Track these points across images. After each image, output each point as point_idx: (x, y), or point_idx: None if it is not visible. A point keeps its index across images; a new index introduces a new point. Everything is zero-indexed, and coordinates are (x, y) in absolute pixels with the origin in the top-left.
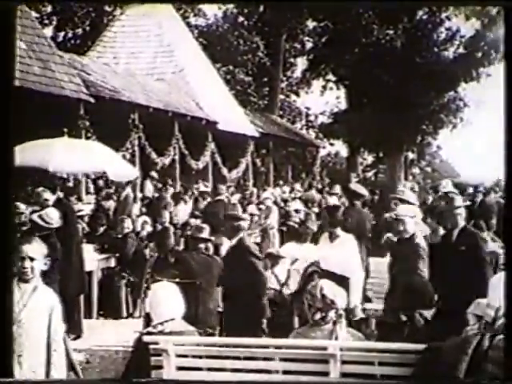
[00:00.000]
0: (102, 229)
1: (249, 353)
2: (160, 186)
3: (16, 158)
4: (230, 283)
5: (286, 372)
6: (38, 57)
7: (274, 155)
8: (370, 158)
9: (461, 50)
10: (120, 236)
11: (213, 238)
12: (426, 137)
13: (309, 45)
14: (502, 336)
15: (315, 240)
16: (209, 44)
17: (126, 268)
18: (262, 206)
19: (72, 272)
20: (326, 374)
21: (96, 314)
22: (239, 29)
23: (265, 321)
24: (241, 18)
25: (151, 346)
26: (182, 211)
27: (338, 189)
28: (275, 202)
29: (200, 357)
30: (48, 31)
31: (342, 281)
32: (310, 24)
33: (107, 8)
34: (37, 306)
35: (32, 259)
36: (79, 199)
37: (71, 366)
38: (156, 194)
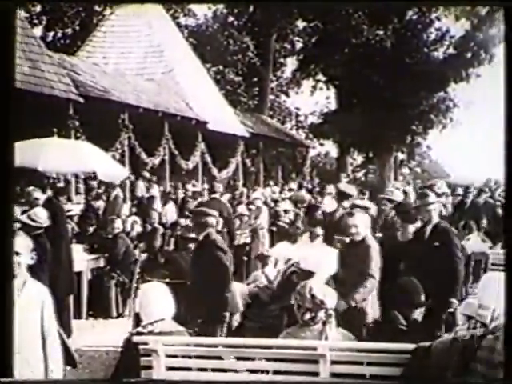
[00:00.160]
0: (91, 229)
1: (239, 353)
2: (150, 185)
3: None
4: (196, 277)
5: (275, 372)
6: (28, 57)
7: (264, 155)
8: (359, 159)
9: (450, 51)
10: (110, 236)
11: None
12: (415, 137)
13: (299, 45)
14: (491, 336)
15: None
16: (199, 44)
17: (116, 268)
18: (251, 206)
19: (61, 272)
20: (316, 374)
21: (86, 315)
22: (229, 29)
23: (227, 314)
24: (231, 18)
25: (141, 347)
26: (171, 211)
27: (332, 188)
28: (265, 203)
29: (190, 357)
30: (37, 31)
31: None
32: (300, 24)
33: (97, 8)
34: (27, 300)
35: (18, 254)
36: (69, 199)
37: (70, 358)
38: (146, 194)
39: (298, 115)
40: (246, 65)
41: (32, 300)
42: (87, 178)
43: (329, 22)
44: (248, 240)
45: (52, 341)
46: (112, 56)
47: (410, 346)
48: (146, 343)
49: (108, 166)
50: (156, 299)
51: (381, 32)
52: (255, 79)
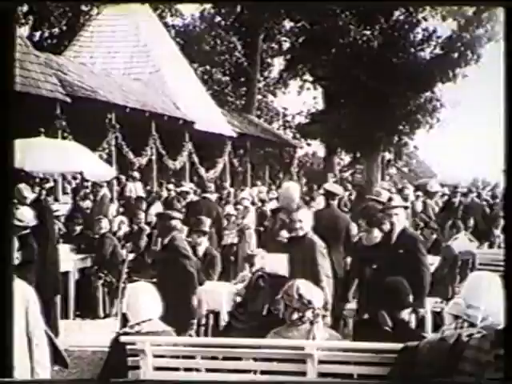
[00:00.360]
0: (78, 229)
1: (226, 353)
2: (137, 185)
3: None
4: (161, 283)
5: (263, 372)
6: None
7: (252, 155)
8: (347, 158)
9: (437, 51)
10: (97, 236)
11: (189, 239)
12: (402, 137)
13: (286, 45)
14: (479, 335)
15: None
16: (186, 44)
17: (103, 268)
18: (239, 206)
19: (48, 272)
20: (304, 373)
21: (73, 315)
22: (216, 29)
23: (195, 321)
24: (218, 18)
25: (128, 347)
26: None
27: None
28: (252, 203)
29: (177, 357)
30: (24, 30)
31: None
32: (287, 24)
33: (84, 8)
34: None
35: None
36: (56, 199)
37: (60, 359)
38: (133, 194)
39: (285, 115)
40: (233, 65)
41: (17, 300)
42: (74, 178)
43: (316, 22)
44: (235, 240)
45: (37, 341)
46: (99, 56)
47: (398, 346)
48: (133, 343)
49: (95, 166)
50: (143, 299)
51: (368, 32)
52: (242, 79)
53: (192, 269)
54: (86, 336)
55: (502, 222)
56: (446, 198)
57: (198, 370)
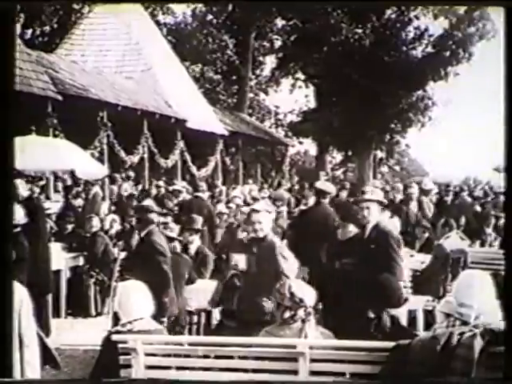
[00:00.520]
0: (70, 227)
1: (218, 351)
2: (129, 184)
3: None
4: (136, 278)
5: (255, 370)
6: None
7: (243, 154)
8: (338, 157)
9: (429, 49)
10: (88, 235)
11: (181, 238)
12: (394, 135)
13: (278, 43)
14: (470, 333)
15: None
16: (178, 42)
17: (95, 267)
18: (231, 205)
19: (40, 271)
20: (295, 372)
21: (64, 313)
22: (208, 27)
23: (165, 319)
24: (210, 17)
25: (120, 345)
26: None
27: None
28: (245, 201)
29: (169, 355)
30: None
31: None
32: (279, 22)
33: (75, 6)
34: None
35: None
36: (47, 197)
37: (51, 360)
38: (125, 193)
39: (277, 113)
40: (225, 63)
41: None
42: (65, 176)
43: (308, 20)
44: None
45: (28, 342)
46: (91, 54)
47: (390, 344)
48: (125, 342)
49: (87, 164)
50: (135, 298)
51: (360, 30)
52: (234, 77)
53: (166, 266)
54: (78, 335)
55: (493, 220)
56: (437, 196)
57: (189, 368)
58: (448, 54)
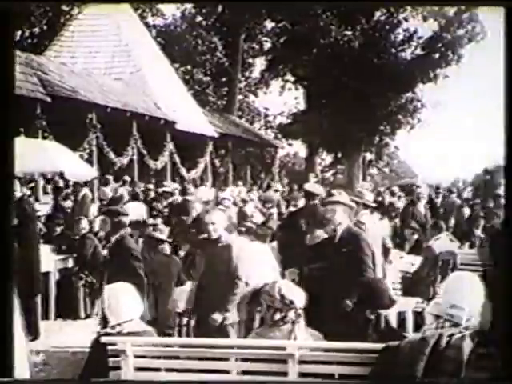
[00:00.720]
0: (59, 229)
1: (207, 353)
2: (118, 185)
3: None
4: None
5: (244, 372)
6: None
7: (233, 155)
8: (328, 159)
9: (418, 51)
10: (77, 237)
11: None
12: (383, 137)
13: (267, 45)
14: (459, 335)
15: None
16: (167, 44)
17: (84, 269)
18: (220, 207)
19: (29, 273)
20: (285, 373)
21: (54, 315)
22: (197, 29)
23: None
24: (199, 18)
25: (109, 347)
26: (140, 211)
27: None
28: (234, 203)
29: (158, 357)
30: None
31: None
32: (269, 24)
33: (64, 7)
34: None
35: None
36: (36, 199)
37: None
38: (114, 194)
39: (266, 115)
40: (214, 65)
41: None
42: (54, 178)
43: (297, 22)
44: None
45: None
46: (80, 55)
47: (379, 346)
48: (114, 344)
49: (76, 166)
50: (124, 300)
51: (349, 33)
52: (224, 79)
53: (141, 272)
54: (67, 337)
55: (482, 222)
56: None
57: (179, 370)
58: (437, 56)
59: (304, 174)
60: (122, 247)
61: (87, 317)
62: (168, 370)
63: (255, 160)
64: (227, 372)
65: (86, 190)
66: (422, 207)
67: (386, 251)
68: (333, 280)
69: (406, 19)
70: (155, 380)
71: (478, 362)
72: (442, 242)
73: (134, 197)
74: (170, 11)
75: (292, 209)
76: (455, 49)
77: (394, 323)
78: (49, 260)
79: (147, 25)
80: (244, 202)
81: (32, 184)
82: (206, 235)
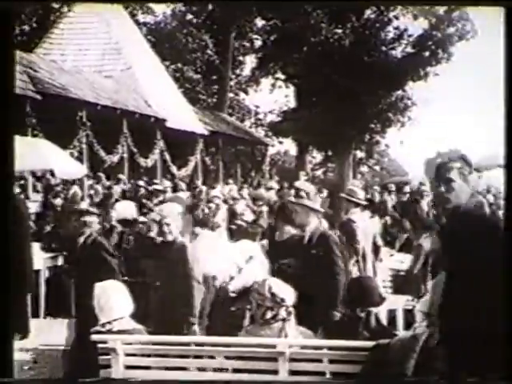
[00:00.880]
0: (49, 227)
1: (197, 351)
2: (108, 183)
3: None
4: (84, 281)
5: (235, 370)
6: None
7: (224, 153)
8: (318, 157)
9: (409, 49)
10: (67, 234)
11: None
12: (374, 135)
13: (258, 43)
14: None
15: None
16: (157, 42)
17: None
18: (210, 205)
19: (21, 271)
20: (275, 371)
21: (44, 313)
22: (188, 27)
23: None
24: (189, 16)
25: (99, 345)
26: (130, 209)
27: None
28: (225, 201)
29: (149, 355)
30: None
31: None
32: (259, 22)
33: (54, 5)
34: None
35: None
36: (26, 197)
37: None
38: (104, 192)
39: (257, 113)
40: (205, 63)
41: None
42: (44, 176)
43: (288, 20)
44: None
45: None
46: (70, 53)
47: (370, 344)
48: (104, 342)
49: (66, 164)
50: (114, 298)
51: (339, 31)
52: (214, 77)
53: (117, 267)
54: (57, 335)
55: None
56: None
57: (169, 368)
58: (427, 54)
59: (294, 172)
60: (95, 244)
61: None
62: (158, 368)
63: (246, 158)
64: (218, 370)
65: (75, 188)
66: (425, 205)
67: (376, 249)
68: (305, 280)
69: (396, 17)
70: (145, 378)
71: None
72: (432, 240)
73: (125, 195)
74: (161, 9)
75: None
76: (445, 47)
77: (384, 321)
78: (38, 258)
79: (137, 22)
80: (234, 199)
81: (22, 182)
82: (160, 238)
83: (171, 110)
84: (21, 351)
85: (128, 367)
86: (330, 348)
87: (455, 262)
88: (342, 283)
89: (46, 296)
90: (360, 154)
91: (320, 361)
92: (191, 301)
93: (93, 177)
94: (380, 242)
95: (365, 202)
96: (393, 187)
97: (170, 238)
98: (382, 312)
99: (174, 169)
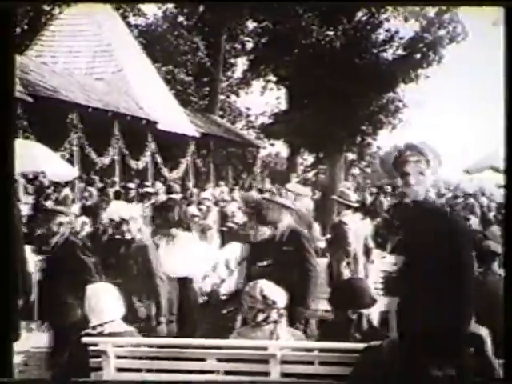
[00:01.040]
0: (40, 230)
1: (189, 353)
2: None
3: None
4: (62, 282)
5: (226, 372)
6: None
7: (215, 155)
8: (310, 159)
9: (400, 52)
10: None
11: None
12: (365, 137)
13: (249, 45)
14: None
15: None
16: (149, 44)
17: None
18: (202, 207)
19: (16, 274)
20: (267, 373)
21: (36, 316)
22: (179, 29)
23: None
24: (180, 18)
25: (90, 348)
26: (124, 209)
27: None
28: (216, 203)
29: (140, 358)
30: None
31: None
32: (250, 24)
33: (46, 7)
34: None
35: None
36: (18, 199)
37: None
38: (96, 194)
39: (248, 115)
40: (196, 65)
41: None
42: (36, 178)
43: (279, 22)
44: None
45: None
46: (61, 55)
47: (361, 345)
48: (95, 344)
49: (57, 166)
50: (105, 300)
51: (330, 33)
52: (205, 79)
53: (93, 266)
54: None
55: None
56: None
57: (160, 370)
58: (418, 56)
59: (286, 174)
60: (68, 243)
61: None
62: (150, 370)
63: (237, 160)
64: (209, 372)
65: (67, 190)
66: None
67: (367, 251)
68: (277, 278)
69: (387, 19)
70: (137, 380)
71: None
72: None
73: (117, 196)
74: (152, 11)
75: None
76: (436, 49)
77: (376, 323)
78: (30, 261)
79: (129, 24)
80: (225, 202)
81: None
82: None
83: (162, 112)
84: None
85: (119, 370)
86: (322, 350)
87: (411, 260)
88: (313, 280)
89: (39, 298)
90: (351, 156)
91: (311, 363)
92: (157, 300)
93: (86, 179)
94: (371, 243)
95: (356, 204)
96: (389, 189)
97: (128, 236)
98: (373, 314)
99: (165, 171)
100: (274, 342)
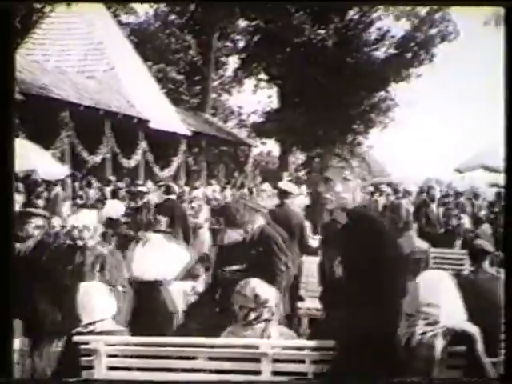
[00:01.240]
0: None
1: (180, 352)
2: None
3: None
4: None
5: (218, 371)
6: None
7: (207, 154)
8: (302, 157)
9: (391, 51)
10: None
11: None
12: (356, 136)
13: (241, 44)
14: (431, 333)
15: None
16: (140, 42)
17: None
18: (193, 205)
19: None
20: (258, 372)
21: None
22: (171, 27)
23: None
24: (172, 17)
25: (82, 346)
26: (113, 209)
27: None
28: (208, 201)
29: (131, 356)
30: None
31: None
32: (242, 23)
33: (37, 5)
34: None
35: None
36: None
37: None
38: (87, 192)
39: (240, 114)
40: (187, 63)
41: None
42: (27, 177)
43: (270, 21)
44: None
45: None
46: (53, 53)
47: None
48: (87, 343)
49: (48, 165)
50: (96, 299)
51: (322, 31)
52: (197, 78)
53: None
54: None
55: (454, 221)
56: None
57: (152, 369)
58: (410, 55)
59: (278, 173)
60: (43, 247)
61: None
62: (141, 369)
63: (229, 159)
64: (200, 371)
65: (58, 189)
66: (434, 208)
67: None
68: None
69: (379, 18)
70: (128, 379)
71: (450, 361)
72: (413, 241)
73: (113, 195)
74: (143, 10)
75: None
76: (428, 48)
77: None
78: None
79: (120, 23)
80: (217, 201)
81: None
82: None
83: (154, 110)
84: None
85: (110, 368)
86: (313, 349)
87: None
88: (278, 286)
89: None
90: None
91: (303, 361)
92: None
93: (81, 178)
94: None
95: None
96: (385, 188)
97: (80, 243)
98: None
99: (156, 169)
100: (266, 340)
